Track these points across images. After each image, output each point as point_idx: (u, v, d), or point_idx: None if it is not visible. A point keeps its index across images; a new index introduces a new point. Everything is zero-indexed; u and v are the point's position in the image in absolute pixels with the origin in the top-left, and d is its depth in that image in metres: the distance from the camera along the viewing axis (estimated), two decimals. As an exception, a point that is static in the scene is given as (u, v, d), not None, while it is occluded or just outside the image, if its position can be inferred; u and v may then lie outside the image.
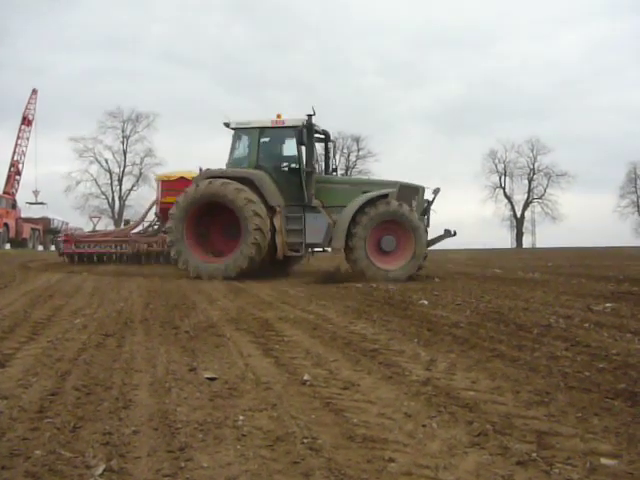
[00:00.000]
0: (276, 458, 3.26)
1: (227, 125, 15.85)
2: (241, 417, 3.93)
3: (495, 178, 78.23)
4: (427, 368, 5.28)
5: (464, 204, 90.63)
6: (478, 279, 14.89)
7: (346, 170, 71.15)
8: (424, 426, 3.77)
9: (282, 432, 3.63)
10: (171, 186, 19.53)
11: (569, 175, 75.81)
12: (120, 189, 72.49)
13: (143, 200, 59.44)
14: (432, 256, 17.98)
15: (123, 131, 72.18)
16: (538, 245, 75.29)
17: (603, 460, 3.18)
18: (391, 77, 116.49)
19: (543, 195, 77.50)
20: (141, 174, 72.38)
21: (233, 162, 15.92)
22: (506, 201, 78.30)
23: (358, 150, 72.62)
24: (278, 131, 15.84)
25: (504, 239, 78.50)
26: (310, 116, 15.24)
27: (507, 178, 78.03)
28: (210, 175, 15.41)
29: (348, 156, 72.34)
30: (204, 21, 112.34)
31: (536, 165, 77.06)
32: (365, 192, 15.23)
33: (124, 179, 72.66)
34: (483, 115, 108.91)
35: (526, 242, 76.90)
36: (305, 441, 3.48)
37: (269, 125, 15.61)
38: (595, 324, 7.37)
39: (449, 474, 3.08)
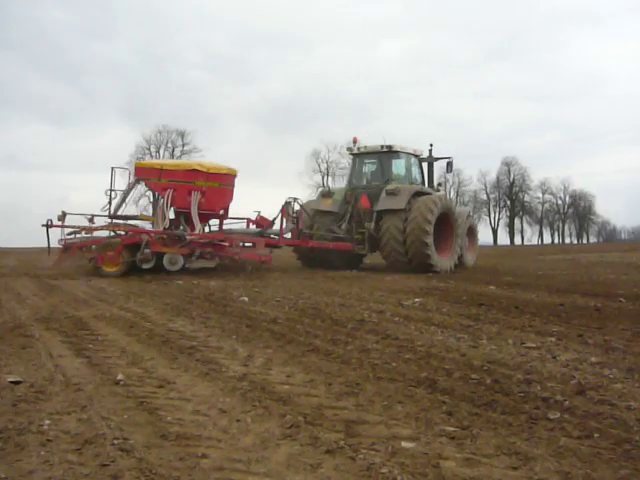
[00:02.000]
0: (84, 462, 3.14)
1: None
2: (47, 421, 3.73)
3: (318, 177, 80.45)
4: (244, 364, 5.34)
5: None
6: (298, 277, 15.26)
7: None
8: (238, 421, 3.81)
9: (91, 434, 3.50)
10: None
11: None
12: None
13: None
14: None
15: None
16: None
17: (404, 443, 3.41)
18: (217, 72, 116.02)
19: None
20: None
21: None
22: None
23: (183, 145, 71.26)
24: None
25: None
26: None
27: (330, 178, 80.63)
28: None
29: (172, 151, 70.67)
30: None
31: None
32: None
33: None
34: (307, 115, 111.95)
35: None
36: (116, 442, 3.38)
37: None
38: (404, 318, 7.87)
39: (261, 467, 3.14)
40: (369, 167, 19.16)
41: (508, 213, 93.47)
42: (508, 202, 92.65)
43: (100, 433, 3.52)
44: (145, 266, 14.82)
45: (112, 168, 15.96)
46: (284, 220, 16.70)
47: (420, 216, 16.46)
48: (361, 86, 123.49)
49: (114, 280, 13.55)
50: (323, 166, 79.73)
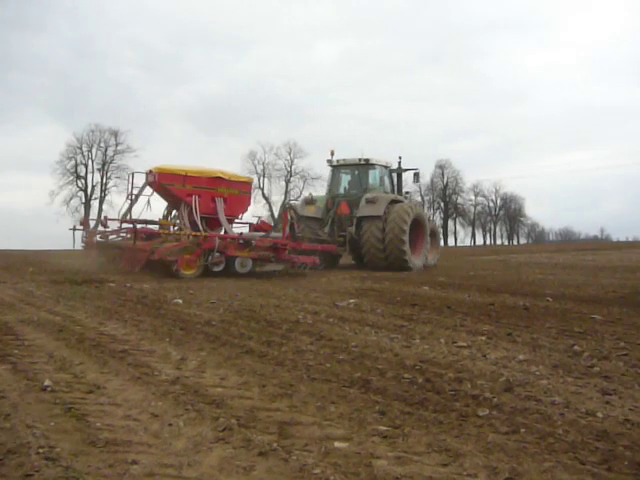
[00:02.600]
0: (6, 473, 3.03)
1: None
2: (-33, 431, 3.58)
3: (254, 179, 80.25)
4: (177, 367, 5.26)
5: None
6: (233, 279, 15.14)
7: (103, 165, 67.85)
8: (170, 425, 3.76)
9: (15, 444, 3.38)
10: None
11: (323, 179, 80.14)
12: None
13: None
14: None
15: None
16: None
17: (337, 444, 3.43)
18: (152, 70, 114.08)
19: (299, 196, 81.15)
20: None
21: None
22: (264, 202, 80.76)
23: (116, 145, 69.51)
24: None
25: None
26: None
27: (266, 179, 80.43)
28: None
29: (105, 150, 68.91)
30: None
31: (293, 168, 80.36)
32: None
33: None
34: (244, 116, 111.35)
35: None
36: (41, 451, 3.28)
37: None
38: (339, 319, 7.92)
39: (193, 471, 3.10)
40: (347, 177, 21.51)
41: (442, 215, 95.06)
42: (442, 204, 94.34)
43: (24, 442, 3.40)
44: (216, 269, 15.37)
45: (132, 173, 16.94)
46: (286, 226, 16.97)
47: (397, 222, 18.75)
48: (297, 88, 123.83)
49: (43, 283, 13.14)
50: (259, 167, 79.39)
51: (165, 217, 17.38)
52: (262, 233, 17.02)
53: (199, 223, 16.05)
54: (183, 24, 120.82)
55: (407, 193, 23.69)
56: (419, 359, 5.54)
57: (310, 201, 21.01)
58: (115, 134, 68.16)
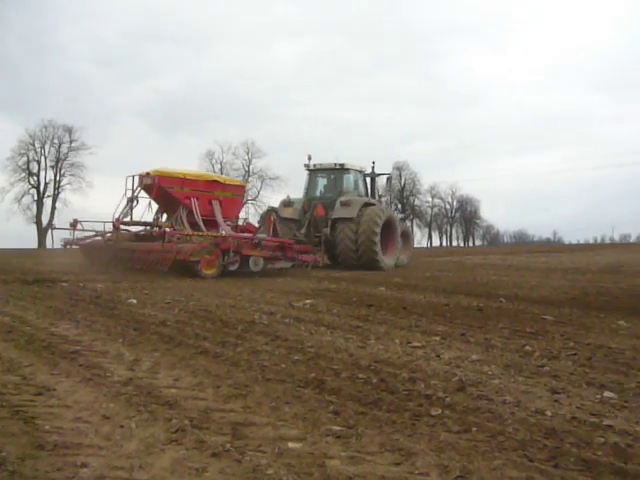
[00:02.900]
0: (-50, 476, 2.95)
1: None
2: None
3: (213, 178, 79.34)
4: (130, 368, 5.19)
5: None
6: (189, 279, 15.01)
7: (56, 162, 66.41)
8: (122, 427, 3.70)
9: (-41, 447, 3.29)
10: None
11: (281, 179, 79.77)
12: None
13: None
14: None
15: None
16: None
17: (290, 444, 3.43)
18: (108, 66, 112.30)
19: (257, 197, 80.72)
20: None
21: None
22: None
23: (70, 142, 68.05)
24: None
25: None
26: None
27: (224, 179, 79.73)
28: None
29: (59, 147, 67.44)
30: None
31: (251, 168, 79.89)
32: None
33: None
34: (201, 115, 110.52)
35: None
36: (-14, 455, 3.20)
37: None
38: (295, 319, 7.92)
39: (144, 473, 3.07)
40: (323, 181, 22.72)
41: (399, 216, 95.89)
42: (399, 205, 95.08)
43: (-31, 445, 3.32)
44: (231, 268, 16.10)
45: (132, 176, 16.98)
46: (270, 227, 18.14)
47: (369, 223, 19.94)
48: (256, 87, 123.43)
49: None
50: (217, 167, 78.71)
51: (155, 220, 17.71)
52: (248, 234, 17.49)
53: (201, 225, 16.66)
54: (139, 20, 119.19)
55: (381, 196, 25.42)
56: (374, 359, 5.58)
57: (288, 203, 21.99)
58: (69, 131, 66.85)
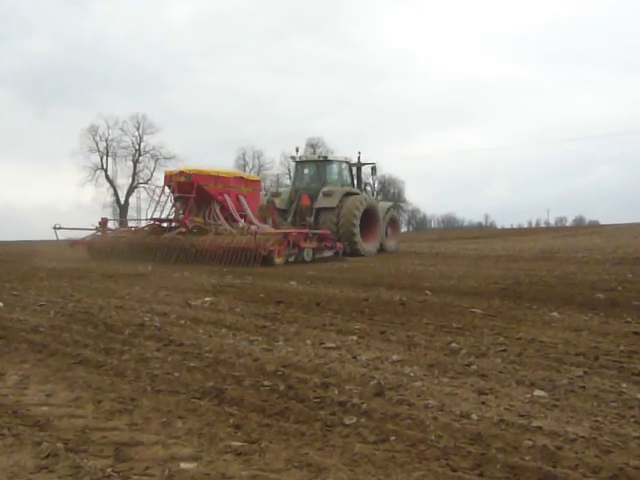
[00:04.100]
0: None
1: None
2: None
3: (96, 158, 76.82)
4: (-8, 384, 5.01)
5: (58, 188, 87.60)
6: (69, 276, 14.65)
7: None
8: (-20, 455, 3.57)
9: None
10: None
11: (178, 158, 78.14)
12: None
13: None
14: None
15: None
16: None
17: (183, 465, 3.40)
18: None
19: (150, 179, 78.93)
20: None
21: None
22: (108, 185, 77.92)
23: None
24: None
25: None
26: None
27: (110, 158, 77.65)
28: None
29: None
30: None
31: (142, 145, 78.12)
32: None
33: None
34: (82, 84, 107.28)
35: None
36: None
37: None
38: (192, 320, 7.86)
39: (7, 507, 2.97)
40: (309, 172, 27.65)
41: (388, 204, 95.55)
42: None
43: None
44: (290, 259, 20.04)
45: (169, 177, 22.01)
46: (274, 216, 23.17)
47: (349, 212, 24.63)
48: (147, 52, 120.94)
49: None
50: (102, 145, 76.67)
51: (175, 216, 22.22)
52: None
53: (238, 218, 21.66)
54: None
55: (367, 185, 31.44)
56: (282, 364, 5.60)
57: (276, 194, 28.02)
58: None
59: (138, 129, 77.66)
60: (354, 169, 28.60)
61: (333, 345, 6.42)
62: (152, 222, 22.65)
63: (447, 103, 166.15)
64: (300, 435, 3.85)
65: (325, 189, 25.36)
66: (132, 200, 78.41)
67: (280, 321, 7.92)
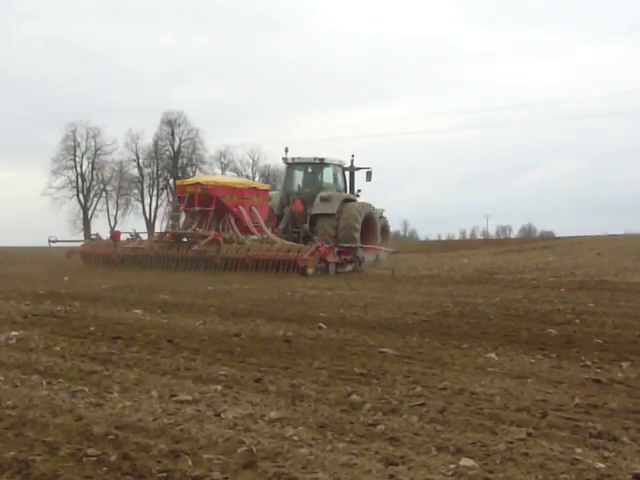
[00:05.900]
0: None
1: None
2: None
3: None
4: None
5: None
6: None
7: None
8: None
9: None
10: None
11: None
12: None
13: None
14: None
15: None
16: None
17: None
18: None
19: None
20: None
21: None
22: None
23: None
24: None
25: None
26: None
27: None
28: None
29: None
30: None
31: None
32: None
33: None
34: None
35: None
36: None
37: None
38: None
39: None
40: (301, 175, 33.44)
41: (170, 199, 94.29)
42: (171, 181, 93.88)
43: None
44: (318, 273, 25.52)
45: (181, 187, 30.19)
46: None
47: (350, 219, 29.94)
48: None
49: None
50: None
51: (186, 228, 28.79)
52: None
53: (254, 230, 28.46)
54: None
55: (359, 191, 35.71)
56: (115, 424, 5.50)
57: None
58: None
59: None
60: (347, 173, 34.46)
61: (189, 398, 6.36)
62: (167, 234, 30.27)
63: (354, 71, 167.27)
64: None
65: (323, 194, 30.61)
66: None
67: (116, 365, 7.79)
